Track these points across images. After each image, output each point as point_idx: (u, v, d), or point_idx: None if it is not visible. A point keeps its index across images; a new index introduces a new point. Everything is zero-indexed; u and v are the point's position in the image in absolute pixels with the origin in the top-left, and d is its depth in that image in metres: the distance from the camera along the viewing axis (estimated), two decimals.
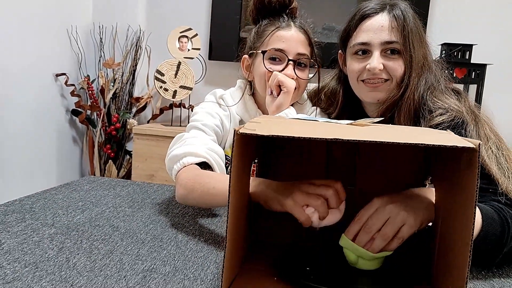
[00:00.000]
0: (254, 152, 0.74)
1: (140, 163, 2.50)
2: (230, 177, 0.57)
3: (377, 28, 1.01)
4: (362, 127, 0.64)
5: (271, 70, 1.10)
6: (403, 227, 0.67)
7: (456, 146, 0.52)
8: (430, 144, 0.53)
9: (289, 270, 0.69)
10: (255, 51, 1.14)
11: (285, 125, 0.66)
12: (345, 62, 1.11)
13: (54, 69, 2.51)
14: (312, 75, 1.15)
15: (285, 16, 1.14)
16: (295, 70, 1.10)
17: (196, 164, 0.97)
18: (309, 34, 1.14)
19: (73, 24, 2.61)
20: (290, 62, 1.10)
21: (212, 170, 0.98)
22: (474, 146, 0.53)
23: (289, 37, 1.10)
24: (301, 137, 0.53)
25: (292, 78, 1.10)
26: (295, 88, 1.11)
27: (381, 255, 0.69)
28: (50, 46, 2.47)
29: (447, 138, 0.58)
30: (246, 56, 1.18)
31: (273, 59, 1.11)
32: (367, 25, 1.03)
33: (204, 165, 0.98)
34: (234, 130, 0.55)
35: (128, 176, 2.70)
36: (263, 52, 1.11)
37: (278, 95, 1.08)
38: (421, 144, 0.53)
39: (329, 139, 0.53)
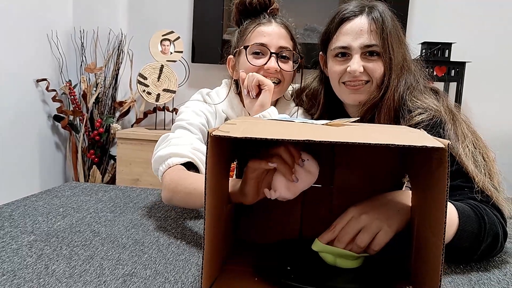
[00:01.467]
0: (231, 153, 0.74)
1: (125, 167, 2.49)
2: (205, 179, 0.57)
3: (357, 31, 1.02)
4: (337, 127, 0.65)
5: (255, 65, 1.11)
6: (379, 234, 0.68)
7: (426, 146, 0.53)
8: (401, 145, 0.54)
9: (270, 269, 0.70)
10: (238, 49, 1.16)
11: (260, 126, 0.66)
12: (326, 64, 1.12)
13: (34, 74, 2.49)
14: (296, 66, 1.17)
15: (266, 14, 1.16)
16: (278, 62, 1.11)
17: (182, 164, 0.97)
18: (290, 29, 1.16)
19: (53, 29, 2.58)
20: (273, 54, 1.11)
21: (198, 170, 0.99)
22: (444, 146, 0.53)
23: (270, 32, 1.12)
24: (274, 139, 0.53)
25: (276, 70, 1.11)
26: (280, 82, 1.12)
27: (360, 255, 0.70)
28: (30, 52, 2.44)
29: (419, 138, 0.59)
30: (231, 56, 1.20)
31: (256, 54, 1.12)
32: (346, 28, 1.04)
33: (190, 165, 0.98)
34: (208, 132, 0.56)
35: (112, 181, 2.68)
36: (245, 48, 1.12)
37: (256, 95, 1.08)
38: (392, 144, 0.53)
39: (301, 140, 0.53)
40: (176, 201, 0.94)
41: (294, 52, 1.15)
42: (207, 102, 1.16)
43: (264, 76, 1.11)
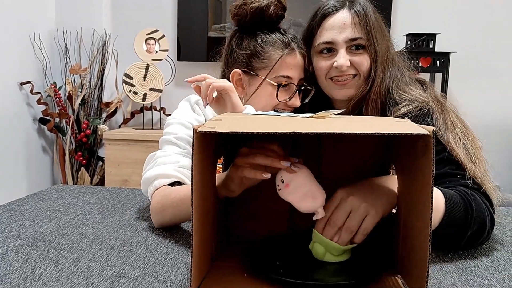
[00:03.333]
0: (218, 149, 0.74)
1: (113, 168, 2.47)
2: (192, 176, 0.57)
3: (340, 26, 1.02)
4: (322, 119, 0.65)
5: (280, 101, 1.08)
6: (366, 218, 0.68)
7: (411, 133, 0.53)
8: (386, 133, 0.54)
9: (259, 265, 0.69)
10: (256, 74, 1.09)
11: (246, 121, 0.66)
12: (310, 61, 1.11)
13: (18, 77, 2.45)
14: (308, 98, 1.14)
15: (284, 33, 1.11)
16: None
17: (169, 184, 0.94)
18: (305, 57, 1.13)
19: (36, 31, 2.55)
20: (297, 90, 1.09)
21: None
22: (428, 133, 0.54)
23: (295, 64, 1.09)
24: (259, 133, 0.53)
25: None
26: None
27: (348, 247, 0.70)
28: (12, 54, 2.40)
29: (404, 126, 0.59)
30: (238, 70, 1.10)
31: (281, 86, 1.08)
32: (329, 23, 1.04)
33: (178, 184, 0.95)
34: (193, 129, 0.55)
35: (101, 182, 2.66)
36: (279, 86, 1.07)
37: (212, 102, 0.98)
38: (377, 133, 0.53)
39: (287, 133, 0.53)
40: (167, 220, 0.91)
41: (310, 87, 1.12)
42: (196, 111, 1.08)
43: (281, 108, 1.09)
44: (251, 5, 1.06)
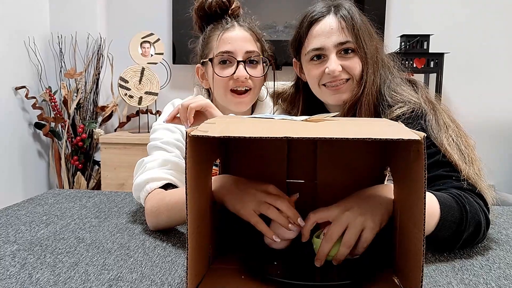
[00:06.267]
0: (212, 152, 0.74)
1: (109, 172, 2.46)
2: (186, 180, 0.57)
3: (328, 31, 1.02)
4: (316, 123, 0.65)
5: (223, 76, 1.08)
6: (364, 231, 0.68)
7: (402, 139, 0.54)
8: (378, 138, 0.54)
9: (256, 266, 0.70)
10: (206, 60, 1.12)
11: (239, 125, 0.66)
12: (301, 69, 1.11)
13: (13, 82, 2.45)
14: (267, 69, 1.14)
15: (228, 17, 1.13)
16: (247, 69, 1.08)
17: (160, 187, 0.95)
18: (254, 30, 1.13)
19: (30, 35, 2.54)
20: (240, 62, 1.08)
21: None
22: (419, 138, 0.54)
23: (234, 37, 1.08)
24: (252, 137, 0.54)
25: (246, 78, 1.08)
26: (250, 89, 1.10)
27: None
28: (7, 59, 2.40)
29: (396, 131, 0.59)
30: (199, 65, 1.16)
31: (223, 63, 1.09)
32: (316, 30, 1.04)
33: (169, 186, 0.96)
34: (186, 132, 0.56)
35: (98, 187, 2.65)
36: (211, 60, 1.09)
37: (191, 123, 0.93)
38: (369, 138, 0.54)
39: (279, 137, 0.54)
40: (162, 223, 0.91)
41: (262, 56, 1.12)
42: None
43: (234, 87, 1.09)
44: (194, 6, 1.14)
